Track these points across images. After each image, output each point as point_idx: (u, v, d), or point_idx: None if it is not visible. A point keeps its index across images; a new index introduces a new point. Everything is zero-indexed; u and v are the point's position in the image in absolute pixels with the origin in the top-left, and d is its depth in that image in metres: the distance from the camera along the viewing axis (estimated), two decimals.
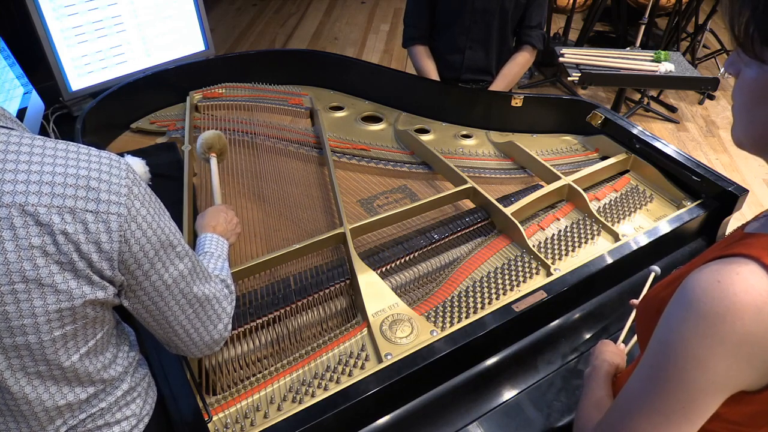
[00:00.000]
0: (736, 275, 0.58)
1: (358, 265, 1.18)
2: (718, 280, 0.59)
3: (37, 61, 1.82)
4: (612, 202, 1.48)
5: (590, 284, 1.23)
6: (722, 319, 0.57)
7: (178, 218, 1.27)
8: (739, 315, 0.57)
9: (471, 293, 1.18)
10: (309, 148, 1.71)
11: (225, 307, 0.90)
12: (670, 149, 1.53)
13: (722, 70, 4.02)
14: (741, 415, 0.66)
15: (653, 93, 3.87)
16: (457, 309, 1.14)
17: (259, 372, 1.02)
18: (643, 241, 1.31)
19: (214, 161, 1.32)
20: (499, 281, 1.21)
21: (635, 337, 1.09)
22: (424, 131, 1.85)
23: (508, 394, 1.09)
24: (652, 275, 1.22)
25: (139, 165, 1.44)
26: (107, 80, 1.94)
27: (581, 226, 1.37)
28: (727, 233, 1.47)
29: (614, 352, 1.00)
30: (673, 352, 0.61)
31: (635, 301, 1.13)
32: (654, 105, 3.81)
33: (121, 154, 0.99)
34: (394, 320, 1.08)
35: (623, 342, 1.09)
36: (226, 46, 4.50)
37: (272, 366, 1.03)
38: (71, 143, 0.71)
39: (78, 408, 0.82)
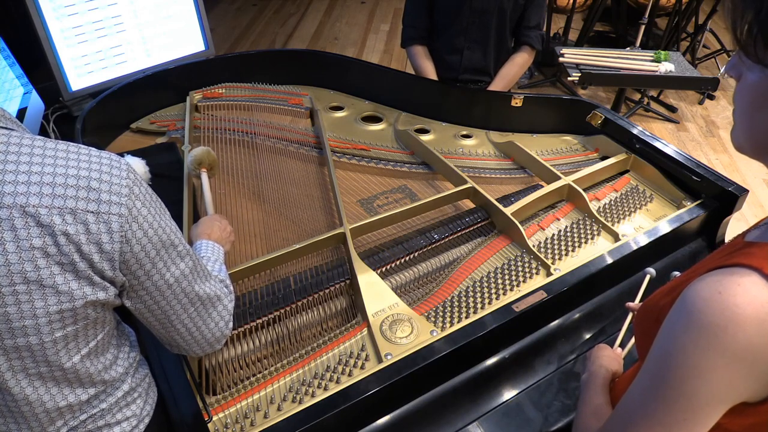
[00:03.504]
0: (737, 286, 0.58)
1: (358, 265, 1.18)
2: (719, 291, 0.58)
3: (37, 61, 1.82)
4: (612, 202, 1.48)
5: (590, 284, 1.23)
6: (724, 331, 0.57)
7: (178, 218, 1.26)
8: (741, 327, 0.56)
9: (471, 293, 1.18)
10: (309, 148, 1.71)
11: (226, 304, 0.90)
12: (670, 149, 1.53)
13: (722, 70, 4.02)
14: (743, 426, 0.65)
15: (653, 93, 3.87)
16: (457, 309, 1.14)
17: (259, 372, 1.02)
18: (643, 241, 1.31)
19: (205, 176, 1.35)
20: (499, 281, 1.21)
21: (632, 341, 1.09)
22: (424, 131, 1.85)
23: (508, 394, 1.09)
24: (648, 277, 1.22)
25: (139, 165, 1.44)
26: (107, 80, 1.94)
27: (581, 226, 1.37)
28: (726, 233, 1.47)
29: (611, 356, 0.99)
30: (674, 363, 0.61)
31: (631, 304, 1.13)
32: (654, 105, 3.81)
33: (121, 154, 1.00)
34: (394, 320, 1.08)
35: (620, 346, 1.09)
36: (226, 46, 4.50)
37: (272, 366, 1.03)
38: (71, 144, 0.71)
39: (79, 409, 0.82)
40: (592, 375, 0.95)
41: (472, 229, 1.38)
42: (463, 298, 1.17)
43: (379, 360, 1.02)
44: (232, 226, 1.22)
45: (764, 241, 0.63)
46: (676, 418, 0.61)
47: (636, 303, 1.15)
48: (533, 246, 1.29)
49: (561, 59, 2.70)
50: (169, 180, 1.47)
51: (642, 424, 0.65)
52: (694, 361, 0.59)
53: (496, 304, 1.14)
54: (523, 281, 1.21)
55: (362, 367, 1.01)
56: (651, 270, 1.23)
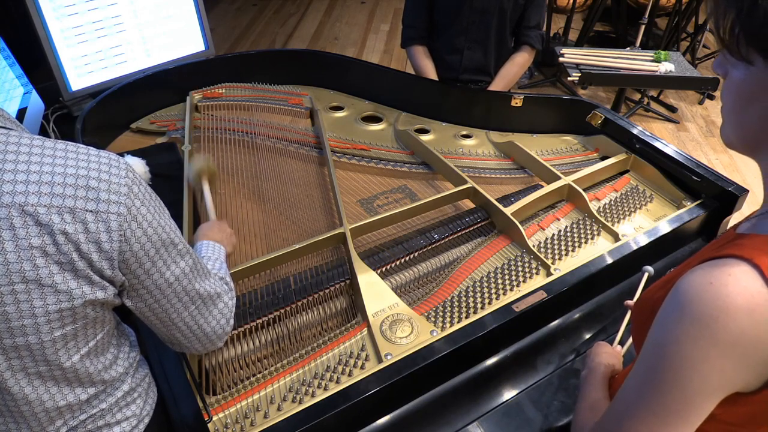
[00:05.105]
0: (728, 276, 0.58)
1: (358, 265, 1.18)
2: (710, 281, 0.59)
3: (37, 61, 1.82)
4: (612, 202, 1.48)
5: (590, 284, 1.23)
6: (715, 321, 0.57)
7: (178, 218, 1.27)
8: (732, 316, 0.57)
9: (471, 293, 1.18)
10: (309, 148, 1.71)
11: (226, 302, 0.90)
12: (670, 149, 1.53)
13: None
14: (737, 416, 0.66)
15: (653, 93, 3.87)
16: (457, 309, 1.14)
17: (259, 372, 1.02)
18: (643, 241, 1.31)
19: (206, 186, 1.34)
20: (499, 281, 1.21)
21: (631, 339, 1.09)
22: (424, 131, 1.85)
23: (508, 394, 1.09)
24: (646, 275, 1.22)
25: (139, 165, 1.44)
26: (107, 80, 1.94)
27: (581, 226, 1.37)
28: None
29: (610, 353, 1.00)
30: (667, 354, 0.61)
31: (630, 302, 1.13)
32: (654, 105, 3.81)
33: (121, 154, 1.00)
34: (394, 320, 1.08)
35: (619, 344, 1.09)
36: (226, 46, 4.50)
37: (272, 366, 1.03)
38: (70, 143, 0.71)
39: (78, 408, 0.82)
40: (591, 371, 0.96)
41: (472, 229, 1.38)
42: (463, 298, 1.17)
43: (379, 360, 1.01)
44: (232, 228, 1.22)
45: (754, 232, 0.64)
46: (669, 408, 0.62)
47: (634, 301, 1.15)
48: (533, 246, 1.29)
49: (561, 59, 2.70)
50: (169, 180, 1.47)
51: (637, 414, 0.65)
52: (687, 351, 0.60)
53: (496, 304, 1.14)
54: (523, 281, 1.21)
55: (362, 367, 1.01)
56: (649, 268, 1.23)
